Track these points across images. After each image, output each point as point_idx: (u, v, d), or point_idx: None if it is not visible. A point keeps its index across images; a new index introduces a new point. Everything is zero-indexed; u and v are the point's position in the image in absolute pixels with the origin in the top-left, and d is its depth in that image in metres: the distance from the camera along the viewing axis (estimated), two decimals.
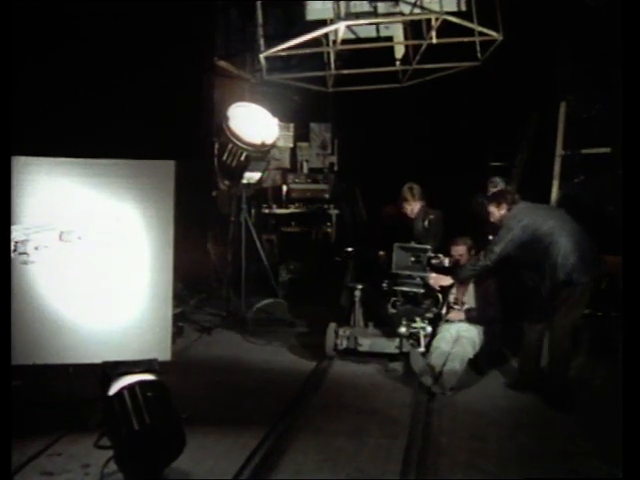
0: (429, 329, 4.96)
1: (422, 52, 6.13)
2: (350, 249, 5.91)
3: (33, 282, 3.81)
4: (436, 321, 5.09)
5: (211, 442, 3.65)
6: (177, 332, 5.41)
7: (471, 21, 5.54)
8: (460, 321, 5.08)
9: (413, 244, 5.16)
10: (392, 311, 5.09)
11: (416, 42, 6.14)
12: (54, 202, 3.88)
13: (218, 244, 7.01)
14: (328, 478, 3.35)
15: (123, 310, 3.95)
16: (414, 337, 4.98)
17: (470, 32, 5.73)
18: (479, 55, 5.99)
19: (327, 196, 7.86)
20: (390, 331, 5.16)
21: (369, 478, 3.36)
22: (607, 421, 3.79)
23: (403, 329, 4.97)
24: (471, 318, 5.08)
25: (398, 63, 6.45)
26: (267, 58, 6.11)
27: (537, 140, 6.95)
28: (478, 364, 4.93)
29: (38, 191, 3.90)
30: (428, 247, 5.07)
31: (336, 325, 5.24)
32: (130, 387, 3.27)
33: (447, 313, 5.16)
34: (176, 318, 4.47)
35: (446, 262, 5.04)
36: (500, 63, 6.12)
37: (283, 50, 5.93)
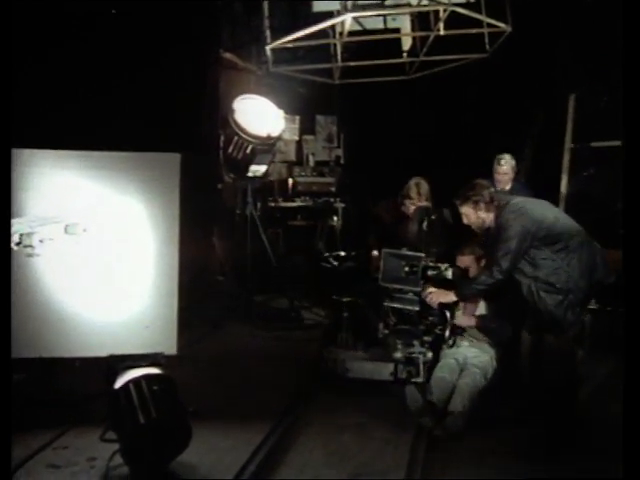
0: (430, 354, 4.18)
1: (429, 44, 6.07)
2: (342, 253, 5.18)
3: (38, 275, 3.81)
4: (439, 344, 4.29)
5: (217, 436, 3.64)
6: (183, 326, 5.38)
7: (479, 12, 5.48)
8: (470, 328, 4.27)
9: (405, 251, 4.29)
10: (384, 332, 4.34)
11: (423, 34, 6.07)
12: (59, 195, 3.87)
13: (223, 238, 6.98)
14: (334, 473, 3.34)
15: (129, 303, 3.95)
16: (412, 363, 4.18)
17: (478, 23, 5.67)
18: (487, 47, 5.93)
19: (333, 189, 7.83)
20: (384, 353, 4.42)
21: (375, 473, 3.34)
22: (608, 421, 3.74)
23: (398, 354, 4.17)
24: (484, 327, 4.28)
25: (405, 55, 6.40)
26: (273, 50, 6.07)
27: (546, 133, 6.89)
28: (491, 398, 4.11)
29: (43, 184, 3.89)
30: (421, 255, 4.19)
31: (318, 347, 4.61)
32: (136, 381, 3.26)
33: (452, 336, 4.28)
34: (181, 312, 4.44)
35: (449, 274, 4.16)
36: (508, 55, 6.06)
37: (289, 42, 5.87)
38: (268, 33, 5.97)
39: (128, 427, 3.18)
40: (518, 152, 7.03)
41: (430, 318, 4.24)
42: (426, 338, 4.21)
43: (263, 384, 4.50)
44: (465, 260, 4.36)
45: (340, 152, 8.17)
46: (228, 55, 7.25)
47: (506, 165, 5.32)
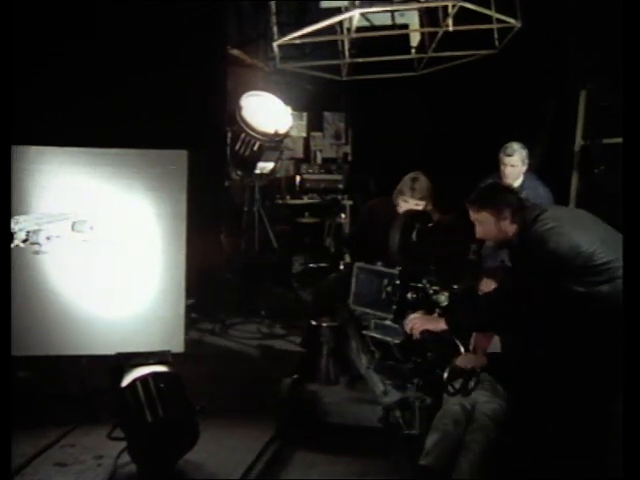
0: (429, 400, 3.15)
1: (438, 40, 6.02)
2: (323, 264, 4.23)
3: (45, 272, 3.80)
4: (437, 387, 3.10)
5: (224, 434, 3.63)
6: (190, 324, 5.39)
7: (488, 8, 5.43)
8: (477, 370, 3.06)
9: (379, 266, 3.34)
10: (369, 367, 3.39)
11: (432, 29, 6.02)
12: (66, 192, 3.86)
13: (231, 235, 6.97)
14: (342, 471, 3.32)
15: (136, 301, 3.93)
16: (406, 408, 3.17)
17: (488, 19, 5.62)
18: (497, 42, 5.88)
19: (341, 187, 7.80)
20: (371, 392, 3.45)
21: (384, 472, 3.31)
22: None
23: (387, 398, 3.22)
24: (496, 366, 3.17)
25: (414, 51, 6.36)
26: (280, 46, 6.03)
27: (556, 130, 6.82)
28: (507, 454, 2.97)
29: (50, 181, 3.88)
30: (393, 272, 3.19)
31: (292, 381, 3.69)
32: (143, 378, 3.25)
33: (452, 379, 3.00)
34: (189, 309, 4.44)
35: (442, 299, 3.07)
36: (518, 51, 6.00)
37: (297, 38, 5.84)
38: (275, 29, 5.93)
39: (135, 425, 3.18)
40: (528, 149, 6.98)
41: (428, 354, 3.09)
42: (416, 380, 3.16)
43: (270, 382, 4.48)
44: (492, 286, 3.25)
45: (348, 149, 8.15)
46: (235, 52, 7.23)
47: (515, 155, 4.42)
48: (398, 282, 3.16)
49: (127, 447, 3.20)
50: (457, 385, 3.00)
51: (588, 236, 2.83)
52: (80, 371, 3.92)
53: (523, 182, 4.55)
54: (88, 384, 3.87)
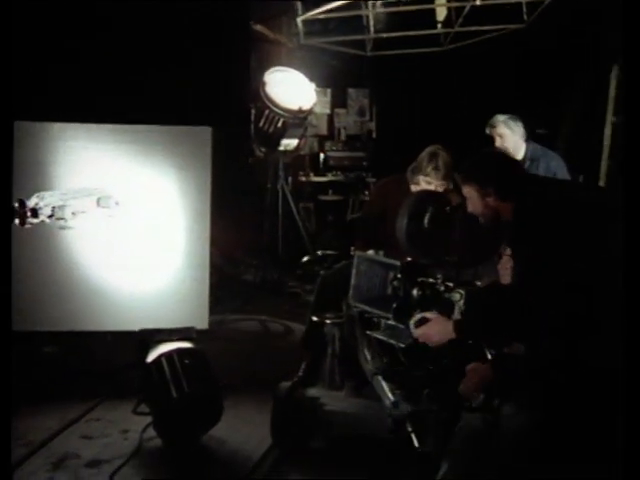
0: (445, 414, 2.60)
1: (465, 14, 5.91)
2: (330, 252, 3.66)
3: (71, 248, 3.83)
4: (453, 399, 2.51)
5: (248, 411, 3.63)
6: (214, 301, 5.39)
7: None
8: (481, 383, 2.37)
9: (380, 255, 3.04)
10: (376, 373, 2.86)
11: (459, 4, 5.93)
12: (91, 168, 3.87)
13: (255, 212, 6.96)
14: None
15: (161, 278, 3.95)
16: (419, 422, 2.67)
17: None
18: (525, 17, 5.76)
19: (365, 164, 7.75)
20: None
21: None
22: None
23: (397, 411, 2.72)
24: (513, 370, 2.38)
25: (440, 26, 6.26)
26: (304, 22, 5.98)
27: (586, 106, 6.67)
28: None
29: (75, 157, 3.89)
30: (395, 263, 2.77)
31: (290, 386, 3.19)
32: (168, 355, 3.27)
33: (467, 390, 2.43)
34: (213, 287, 4.44)
35: (457, 297, 2.49)
36: (547, 25, 5.87)
37: (321, 13, 5.78)
38: (299, 5, 5.87)
39: (160, 401, 3.20)
40: (557, 126, 6.84)
41: (444, 361, 2.56)
42: (427, 392, 2.66)
43: (294, 360, 4.48)
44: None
45: (372, 126, 8.08)
46: (259, 27, 7.16)
47: (499, 125, 4.00)
48: (399, 276, 2.68)
49: (152, 422, 3.22)
50: (478, 400, 2.39)
51: (604, 212, 2.30)
52: (105, 347, 3.96)
53: (526, 153, 4.16)
54: (113, 360, 3.90)
